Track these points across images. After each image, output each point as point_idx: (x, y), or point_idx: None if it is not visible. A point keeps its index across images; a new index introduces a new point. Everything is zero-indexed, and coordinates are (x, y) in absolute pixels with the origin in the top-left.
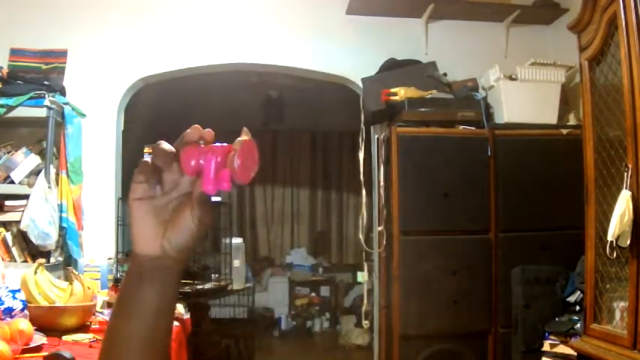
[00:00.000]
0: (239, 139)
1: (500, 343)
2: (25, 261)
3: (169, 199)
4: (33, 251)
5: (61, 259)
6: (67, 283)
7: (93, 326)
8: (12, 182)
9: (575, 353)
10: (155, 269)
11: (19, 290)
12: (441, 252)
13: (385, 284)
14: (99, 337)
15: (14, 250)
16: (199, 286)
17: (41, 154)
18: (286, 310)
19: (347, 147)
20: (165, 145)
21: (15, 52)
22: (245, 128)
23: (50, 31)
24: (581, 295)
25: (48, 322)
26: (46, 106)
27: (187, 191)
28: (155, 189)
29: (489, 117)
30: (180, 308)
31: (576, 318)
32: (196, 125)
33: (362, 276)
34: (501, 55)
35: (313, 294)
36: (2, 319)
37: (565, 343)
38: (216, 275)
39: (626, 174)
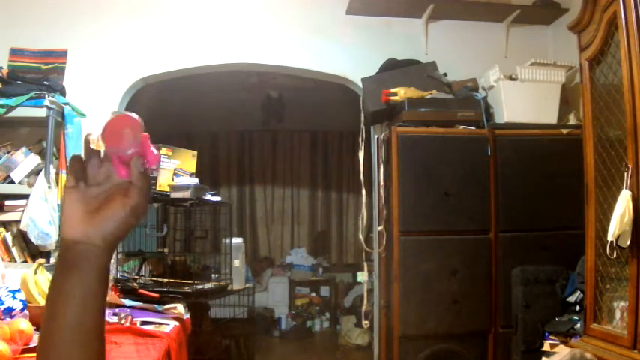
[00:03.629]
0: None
1: (500, 343)
2: (25, 261)
3: (101, 189)
4: (33, 251)
5: None
6: None
7: None
8: (12, 182)
9: None
10: (78, 255)
11: (19, 290)
12: (441, 252)
13: (385, 284)
14: None
15: (14, 250)
16: (199, 286)
17: (41, 154)
18: (286, 310)
19: (347, 147)
20: (89, 141)
21: (15, 52)
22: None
23: (50, 31)
24: (581, 295)
25: None
26: (46, 106)
27: (119, 182)
28: (83, 180)
29: (489, 117)
30: (180, 308)
31: (576, 318)
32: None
33: (362, 276)
34: (501, 55)
35: (313, 294)
36: (2, 319)
37: (565, 343)
38: (216, 275)
39: (626, 174)
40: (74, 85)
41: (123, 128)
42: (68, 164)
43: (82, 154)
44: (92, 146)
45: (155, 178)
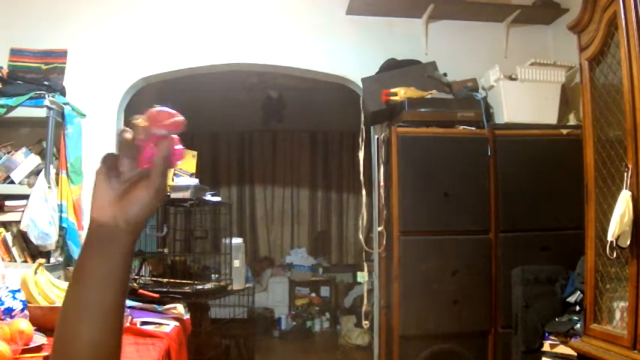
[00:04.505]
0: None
1: (500, 343)
2: (25, 261)
3: (127, 177)
4: (33, 251)
5: (61, 259)
6: (67, 283)
7: None
8: (12, 182)
9: (575, 353)
10: (103, 237)
11: (19, 290)
12: (441, 252)
13: (385, 284)
14: None
15: (14, 250)
16: (199, 286)
17: (41, 154)
18: (286, 310)
19: (347, 147)
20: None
21: (15, 52)
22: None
23: (50, 31)
24: (581, 295)
25: (48, 322)
26: (46, 106)
27: (141, 171)
28: (114, 175)
29: (489, 117)
30: (180, 308)
31: (576, 318)
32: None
33: (362, 276)
34: (501, 55)
35: (313, 294)
36: (2, 319)
37: (565, 343)
38: (216, 275)
39: (626, 174)
40: (74, 85)
41: (168, 116)
42: (101, 159)
43: (117, 149)
44: (137, 122)
45: None
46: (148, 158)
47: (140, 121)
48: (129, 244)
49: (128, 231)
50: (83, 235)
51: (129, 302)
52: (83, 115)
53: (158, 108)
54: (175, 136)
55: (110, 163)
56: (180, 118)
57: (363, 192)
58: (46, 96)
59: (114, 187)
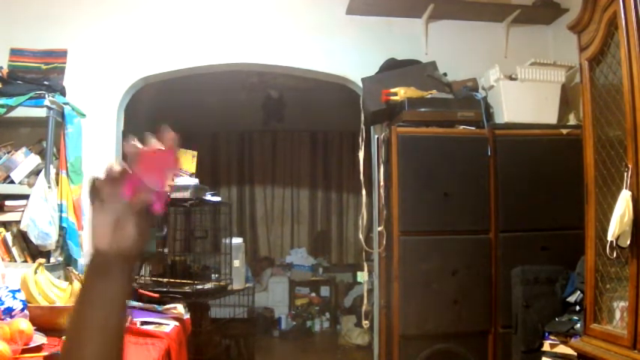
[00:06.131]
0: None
1: (500, 343)
2: (25, 261)
3: (117, 207)
4: (33, 251)
5: (61, 259)
6: (67, 283)
7: None
8: (12, 182)
9: (575, 353)
10: (105, 263)
11: (19, 290)
12: (441, 252)
13: (385, 284)
14: None
15: (14, 250)
16: (199, 286)
17: (41, 154)
18: (286, 310)
19: (347, 147)
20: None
21: (15, 52)
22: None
23: (50, 31)
24: (581, 295)
25: (48, 322)
26: (46, 106)
27: (126, 203)
28: (99, 200)
29: (489, 117)
30: (180, 308)
31: (576, 318)
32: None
33: (362, 276)
34: (501, 55)
35: (313, 294)
36: (2, 319)
37: (565, 343)
38: (216, 275)
39: (626, 174)
40: (74, 85)
41: (164, 165)
42: (89, 184)
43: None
44: (133, 146)
45: None
46: (135, 188)
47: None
48: (128, 270)
49: (124, 259)
50: (83, 234)
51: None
52: (83, 115)
53: (156, 147)
54: (165, 189)
55: (96, 194)
56: (176, 172)
57: (363, 192)
58: (46, 96)
59: (110, 216)
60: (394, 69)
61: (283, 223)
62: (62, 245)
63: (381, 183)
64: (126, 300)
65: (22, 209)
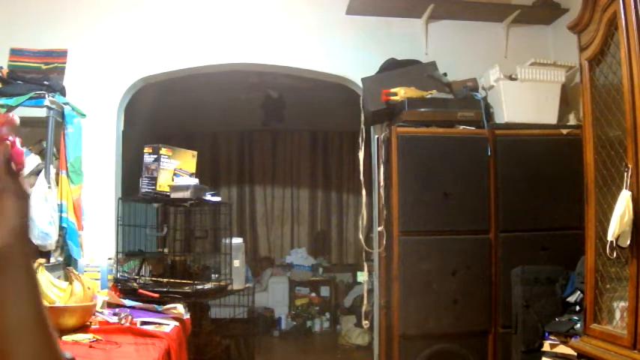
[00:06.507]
0: None
1: (500, 343)
2: None
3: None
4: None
5: (61, 259)
6: (67, 283)
7: (93, 326)
8: None
9: (575, 353)
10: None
11: None
12: (441, 252)
13: (385, 284)
14: (99, 338)
15: None
16: (199, 286)
17: (41, 154)
18: (286, 310)
19: (347, 147)
20: None
21: (15, 52)
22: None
23: (50, 31)
24: (581, 295)
25: None
26: (46, 106)
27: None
28: None
29: (489, 117)
30: (180, 308)
31: (576, 318)
32: None
33: (362, 276)
34: (501, 55)
35: (313, 294)
36: None
37: (565, 343)
38: (216, 275)
39: (626, 174)
40: (74, 85)
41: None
42: None
43: None
44: None
45: (155, 179)
46: None
47: None
48: (23, 259)
49: (13, 247)
50: (83, 234)
51: (129, 302)
52: (83, 115)
53: None
54: (12, 138)
55: None
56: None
57: (363, 192)
58: (46, 96)
59: None
60: (394, 69)
61: (283, 223)
62: (62, 245)
63: (381, 183)
64: (35, 290)
65: None
